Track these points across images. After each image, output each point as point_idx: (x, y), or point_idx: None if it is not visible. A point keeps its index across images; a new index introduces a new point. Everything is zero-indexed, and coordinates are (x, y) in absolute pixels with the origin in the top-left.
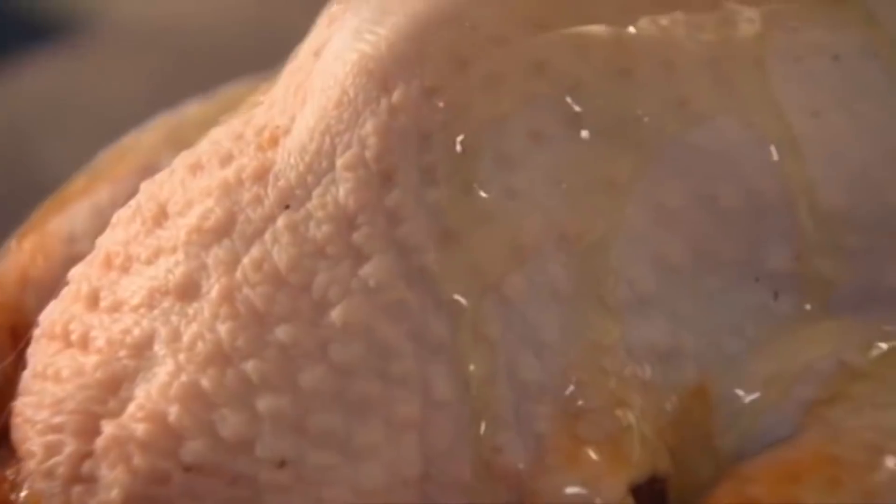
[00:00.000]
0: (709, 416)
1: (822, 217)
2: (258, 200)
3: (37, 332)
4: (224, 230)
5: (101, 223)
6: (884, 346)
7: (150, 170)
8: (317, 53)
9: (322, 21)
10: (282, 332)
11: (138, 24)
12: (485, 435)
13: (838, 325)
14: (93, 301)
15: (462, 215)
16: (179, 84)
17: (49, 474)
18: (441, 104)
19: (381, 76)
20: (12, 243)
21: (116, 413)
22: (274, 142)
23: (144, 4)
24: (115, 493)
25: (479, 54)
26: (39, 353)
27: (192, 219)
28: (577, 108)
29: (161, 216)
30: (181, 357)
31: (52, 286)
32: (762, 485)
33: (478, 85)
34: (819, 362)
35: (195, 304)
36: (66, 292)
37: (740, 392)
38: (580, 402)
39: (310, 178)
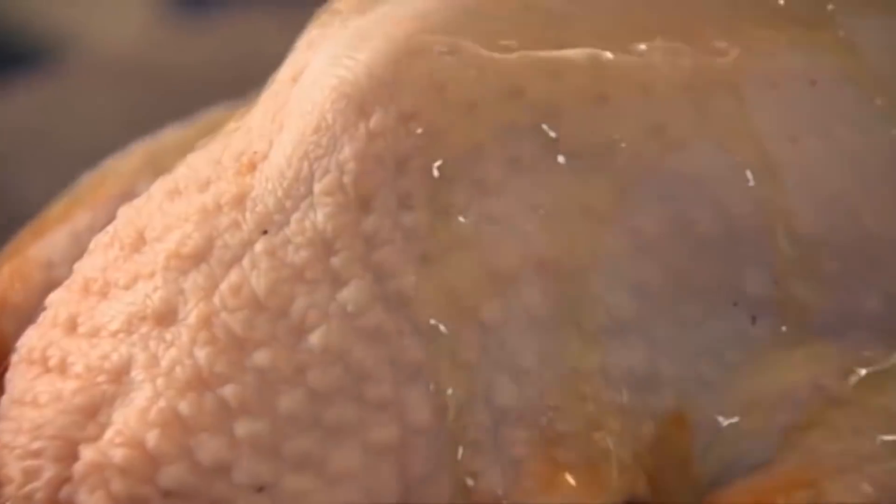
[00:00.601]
0: (687, 442)
1: (800, 242)
2: (236, 226)
3: (15, 358)
4: (202, 255)
5: (79, 249)
6: (862, 371)
7: (128, 196)
8: (294, 79)
9: (300, 46)
10: (260, 357)
11: (116, 51)
12: (463, 460)
13: (816, 350)
14: (71, 326)
15: (439, 241)
16: (157, 110)
17: (27, 499)
18: (418, 130)
19: (359, 102)
20: None
21: (95, 438)
22: (252, 167)
23: (122, 31)
24: None
25: (457, 80)
26: (18, 379)
27: (170, 244)
28: (554, 134)
29: (139, 242)
30: (159, 382)
31: (30, 312)
32: None
33: (455, 111)
34: (797, 388)
35: (173, 330)
36: (44, 318)
37: (719, 417)
38: (558, 427)
39: (288, 204)
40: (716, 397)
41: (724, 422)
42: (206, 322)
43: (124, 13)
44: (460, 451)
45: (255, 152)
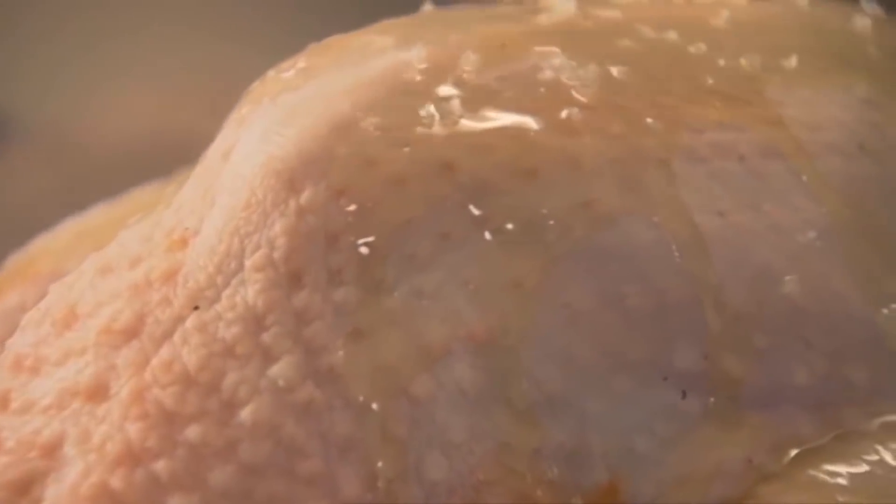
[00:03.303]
0: None
1: (729, 316)
2: (167, 301)
3: None
4: (133, 331)
5: (10, 326)
6: (794, 446)
7: (58, 273)
8: (225, 155)
9: (230, 123)
10: (191, 432)
11: (46, 130)
12: None
13: (748, 424)
14: (3, 403)
15: (370, 316)
16: (87, 189)
17: None
18: (349, 205)
19: (288, 177)
20: None
21: None
22: (183, 243)
23: (52, 110)
24: None
25: (387, 156)
26: None
27: (101, 320)
28: (484, 210)
29: (71, 318)
30: (91, 458)
31: None
32: None
33: (385, 187)
34: (729, 462)
35: (105, 405)
36: None
37: (652, 491)
38: (488, 501)
39: (219, 279)
40: (649, 471)
41: (658, 495)
42: (138, 397)
43: (53, 91)
44: None
45: (187, 228)
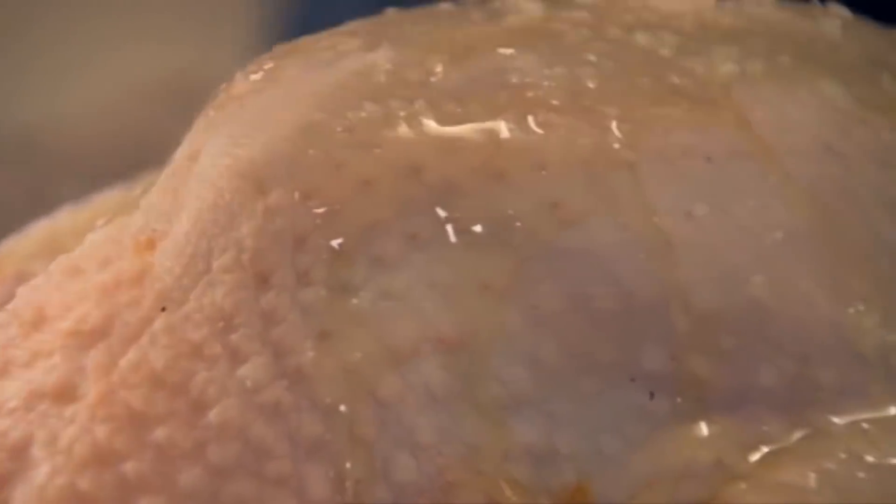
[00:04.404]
0: None
1: (697, 318)
2: (136, 303)
3: None
4: (101, 333)
5: None
6: (761, 447)
7: (25, 276)
8: (192, 158)
9: (198, 126)
10: (160, 433)
11: (12, 133)
12: None
13: (716, 425)
14: None
15: (338, 317)
16: (54, 191)
17: None
18: (316, 207)
19: (255, 179)
20: None
21: None
22: (151, 245)
23: (18, 113)
24: None
25: (354, 157)
26: None
27: (69, 322)
28: (451, 211)
29: (38, 320)
30: (58, 459)
31: None
32: None
33: (353, 188)
34: (698, 463)
35: (72, 407)
36: None
37: (621, 492)
38: (456, 503)
39: (187, 281)
40: (618, 472)
41: (627, 496)
42: (106, 399)
43: (19, 94)
44: None
45: (155, 230)
